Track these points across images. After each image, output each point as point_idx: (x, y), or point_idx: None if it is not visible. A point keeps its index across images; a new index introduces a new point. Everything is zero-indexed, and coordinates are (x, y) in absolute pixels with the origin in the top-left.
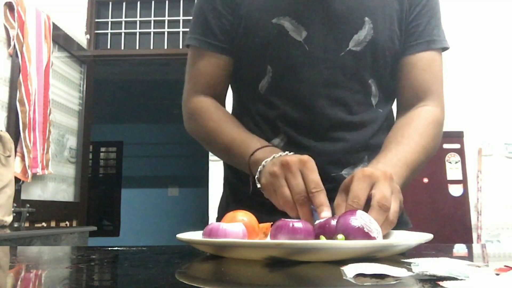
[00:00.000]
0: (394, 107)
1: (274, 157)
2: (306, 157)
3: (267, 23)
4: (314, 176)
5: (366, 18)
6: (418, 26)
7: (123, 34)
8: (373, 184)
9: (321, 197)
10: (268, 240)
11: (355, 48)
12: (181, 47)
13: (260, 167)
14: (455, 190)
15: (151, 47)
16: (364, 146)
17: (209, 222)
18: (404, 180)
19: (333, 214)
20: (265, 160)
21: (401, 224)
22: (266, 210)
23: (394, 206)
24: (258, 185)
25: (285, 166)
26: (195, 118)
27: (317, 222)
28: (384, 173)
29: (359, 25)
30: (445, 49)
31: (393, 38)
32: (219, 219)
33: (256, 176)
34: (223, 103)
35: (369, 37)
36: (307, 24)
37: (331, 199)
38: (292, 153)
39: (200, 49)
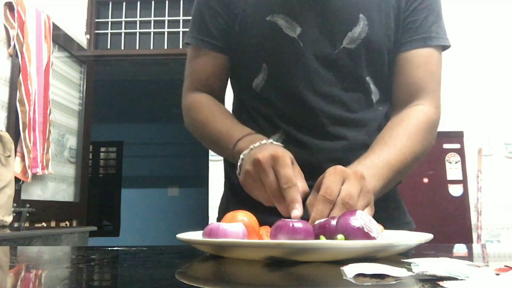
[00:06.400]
0: None
1: (251, 148)
2: (278, 153)
3: (261, 21)
4: (285, 171)
5: (361, 15)
6: (415, 22)
7: (123, 34)
8: (344, 181)
9: (292, 193)
10: (268, 240)
11: (349, 45)
12: (181, 47)
13: (239, 161)
14: (455, 190)
15: (151, 47)
16: (364, 144)
17: (209, 222)
18: (385, 182)
19: (306, 213)
20: (243, 153)
21: (405, 224)
22: (267, 211)
23: (360, 205)
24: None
25: (257, 165)
26: (189, 113)
27: (316, 222)
28: (355, 172)
29: (353, 22)
30: (445, 47)
31: (390, 35)
32: (219, 219)
33: (237, 171)
34: (221, 99)
35: (364, 34)
36: (301, 20)
37: None
38: (270, 141)
39: (197, 47)
